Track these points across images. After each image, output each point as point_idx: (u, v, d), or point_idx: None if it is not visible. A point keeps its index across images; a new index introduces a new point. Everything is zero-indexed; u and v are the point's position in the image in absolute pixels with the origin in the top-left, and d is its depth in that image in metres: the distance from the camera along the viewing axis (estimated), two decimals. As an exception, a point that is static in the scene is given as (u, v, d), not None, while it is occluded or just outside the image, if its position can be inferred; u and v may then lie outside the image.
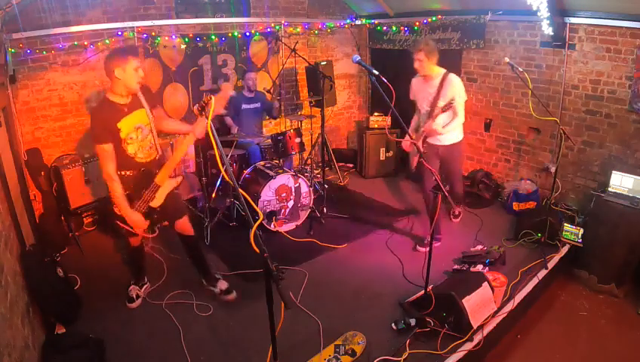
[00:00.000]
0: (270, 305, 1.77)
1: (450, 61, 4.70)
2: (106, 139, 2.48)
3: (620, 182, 3.51)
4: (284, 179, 3.98)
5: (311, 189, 4.20)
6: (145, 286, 3.19)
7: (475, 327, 2.66)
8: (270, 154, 4.30)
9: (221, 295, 3.05)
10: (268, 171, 4.00)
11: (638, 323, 3.10)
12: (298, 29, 5.36)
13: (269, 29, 5.14)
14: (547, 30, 3.89)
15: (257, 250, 1.60)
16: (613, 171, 3.57)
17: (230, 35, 4.83)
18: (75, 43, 3.97)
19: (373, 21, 5.84)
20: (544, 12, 3.69)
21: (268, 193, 3.91)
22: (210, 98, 1.91)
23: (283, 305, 1.63)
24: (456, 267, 3.39)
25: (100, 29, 4.08)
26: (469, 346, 2.59)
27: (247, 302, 3.02)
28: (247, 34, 4.97)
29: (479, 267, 3.26)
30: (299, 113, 5.08)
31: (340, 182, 5.48)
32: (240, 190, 1.74)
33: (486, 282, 2.85)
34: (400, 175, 5.55)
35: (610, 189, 3.55)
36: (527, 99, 4.30)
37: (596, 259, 3.42)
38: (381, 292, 3.16)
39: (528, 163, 4.65)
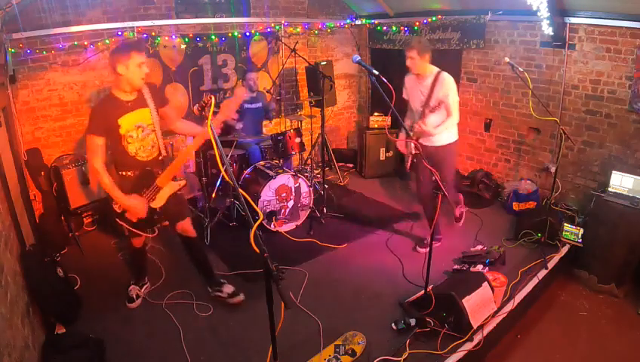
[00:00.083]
0: (270, 305, 1.77)
1: (450, 61, 4.72)
2: (100, 133, 2.46)
3: (620, 182, 3.51)
4: (284, 179, 3.98)
5: (311, 189, 4.20)
6: (145, 286, 3.18)
7: (475, 327, 2.66)
8: (270, 154, 4.30)
9: (229, 298, 3.00)
10: (268, 171, 4.00)
11: (638, 323, 3.10)
12: (298, 29, 5.36)
13: (269, 29, 5.14)
14: (547, 30, 3.89)
15: (257, 250, 1.60)
16: (613, 171, 3.57)
17: (230, 35, 4.83)
18: (75, 43, 3.97)
19: (373, 21, 5.84)
20: (544, 12, 3.69)
21: (268, 193, 3.90)
22: (211, 98, 1.91)
23: (283, 305, 1.62)
24: (456, 267, 3.39)
25: (100, 29, 4.08)
26: (469, 346, 2.59)
27: (247, 302, 3.02)
28: (247, 34, 4.97)
29: (479, 267, 3.26)
30: (299, 113, 5.08)
31: (340, 182, 5.48)
32: (240, 190, 1.74)
33: (486, 282, 2.85)
34: (401, 175, 5.53)
35: (610, 189, 3.55)
36: (527, 99, 4.30)
37: (596, 259, 3.43)
38: (381, 292, 3.16)
39: (528, 163, 4.65)
